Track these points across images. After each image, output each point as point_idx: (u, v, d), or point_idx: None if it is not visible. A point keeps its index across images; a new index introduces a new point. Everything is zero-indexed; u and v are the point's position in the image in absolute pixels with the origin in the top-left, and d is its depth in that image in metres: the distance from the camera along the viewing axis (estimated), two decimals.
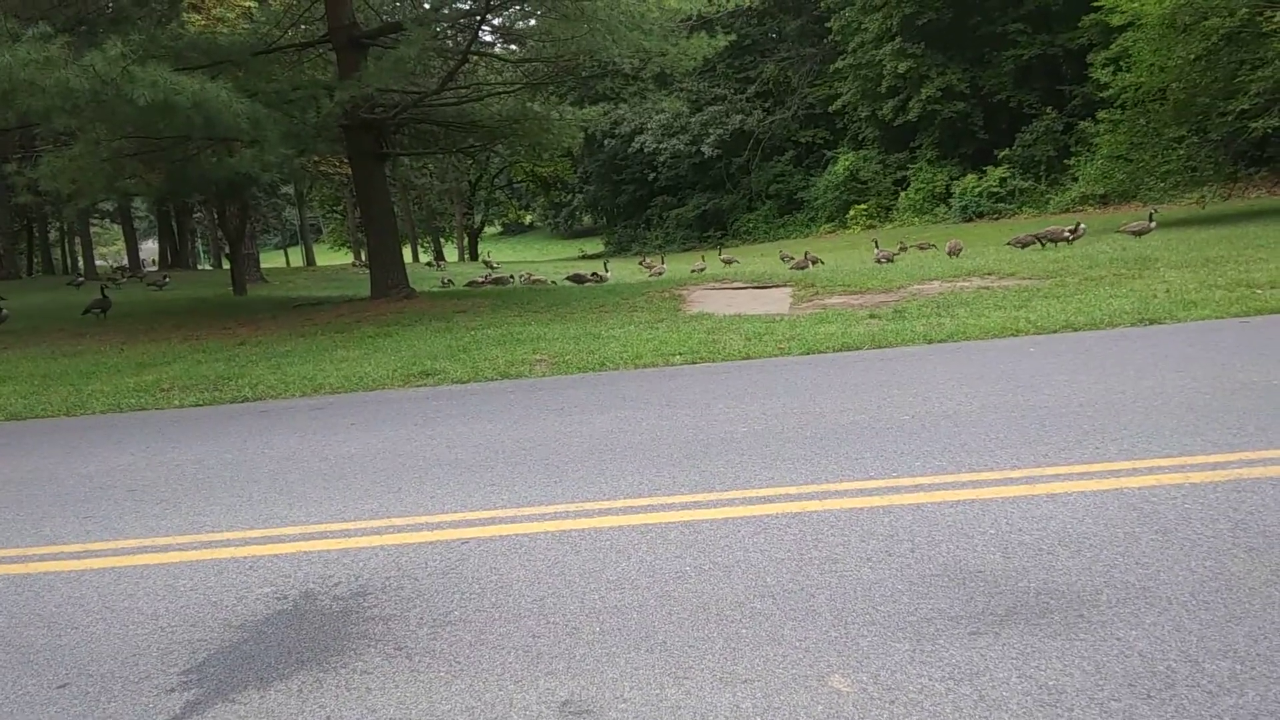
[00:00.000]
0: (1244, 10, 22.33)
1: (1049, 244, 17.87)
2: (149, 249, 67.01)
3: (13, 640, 3.56)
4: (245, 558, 4.25)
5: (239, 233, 27.82)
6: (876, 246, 22.06)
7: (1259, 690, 2.46)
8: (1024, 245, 18.28)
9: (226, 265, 36.42)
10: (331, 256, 67.25)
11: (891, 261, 18.92)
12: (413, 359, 10.19)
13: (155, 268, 47.76)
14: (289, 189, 46.80)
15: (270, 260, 60.39)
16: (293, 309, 18.41)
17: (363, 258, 46.04)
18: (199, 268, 56.89)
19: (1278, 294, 9.06)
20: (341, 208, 59.97)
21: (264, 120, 13.25)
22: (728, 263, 24.13)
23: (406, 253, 47.65)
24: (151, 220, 59.59)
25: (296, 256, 68.07)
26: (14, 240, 44.54)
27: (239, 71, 15.14)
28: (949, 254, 18.85)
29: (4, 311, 17.67)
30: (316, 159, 27.04)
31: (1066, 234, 17.94)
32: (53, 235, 54.02)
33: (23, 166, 20.17)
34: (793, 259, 21.11)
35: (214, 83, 12.24)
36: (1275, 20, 20.64)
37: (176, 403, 9.19)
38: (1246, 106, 23.14)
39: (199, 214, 52.05)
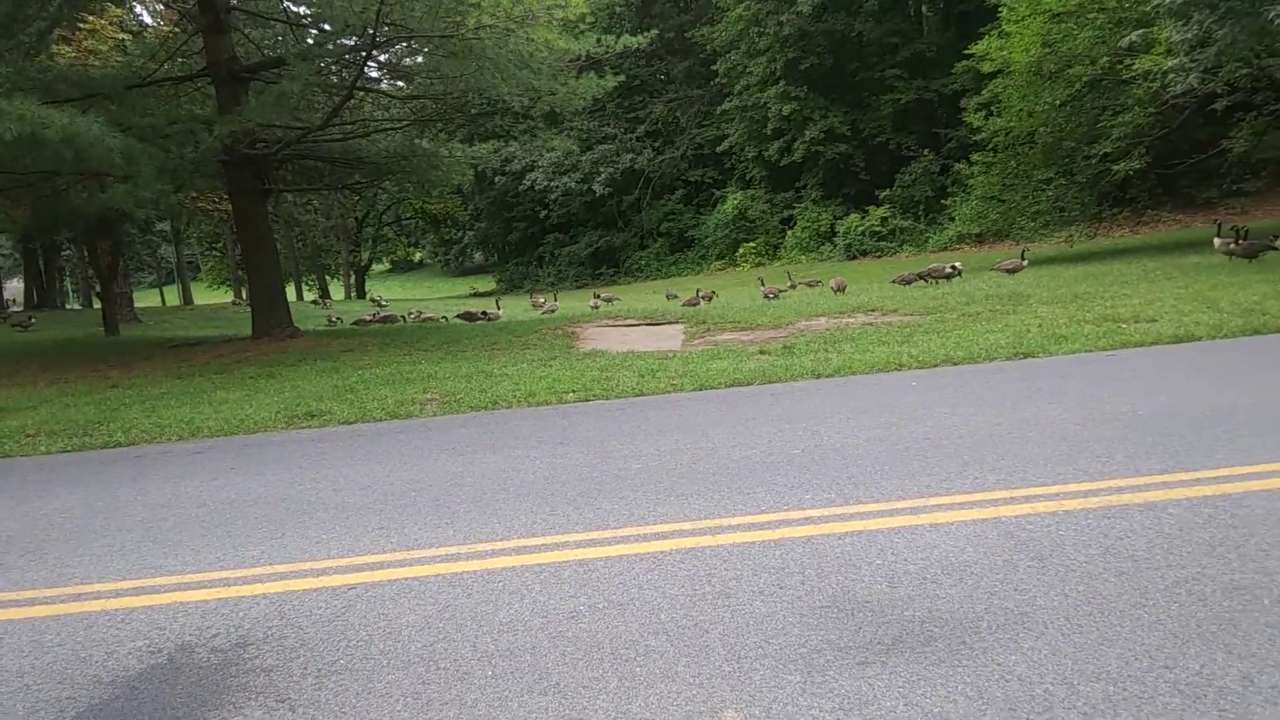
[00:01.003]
0: (1105, 59, 23.78)
1: (931, 281, 18.54)
2: (13, 288, 63.56)
3: None
4: (117, 610, 4.04)
5: (111, 270, 26.65)
6: (763, 284, 22.52)
7: (1131, 711, 2.57)
8: (908, 283, 18.93)
9: (98, 305, 34.84)
10: (210, 295, 64.91)
11: (778, 298, 19.34)
12: (297, 400, 9.90)
13: (20, 307, 45.28)
14: (165, 225, 45.16)
15: (145, 299, 58.04)
16: (169, 349, 17.69)
17: (244, 296, 44.69)
18: (68, 307, 54.18)
19: (1140, 328, 9.58)
20: (221, 244, 58.13)
21: (138, 155, 12.77)
22: (607, 300, 24.27)
23: (290, 291, 46.45)
24: (16, 258, 56.57)
25: (173, 295, 65.53)
26: None
27: (112, 105, 14.58)
28: (834, 290, 19.38)
29: None
30: (195, 195, 26.23)
31: (948, 271, 18.65)
32: None
33: None
34: (678, 297, 21.34)
35: (85, 116, 11.75)
36: (1134, 69, 22.01)
37: (43, 449, 8.72)
38: (1109, 150, 24.57)
39: (68, 251, 49.69)
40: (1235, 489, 4.26)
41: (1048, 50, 24.28)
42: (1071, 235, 27.42)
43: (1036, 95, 25.66)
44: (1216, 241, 16.35)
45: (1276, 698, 2.57)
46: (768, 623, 3.32)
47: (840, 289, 19.30)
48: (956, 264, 19.25)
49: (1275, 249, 15.38)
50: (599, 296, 26.14)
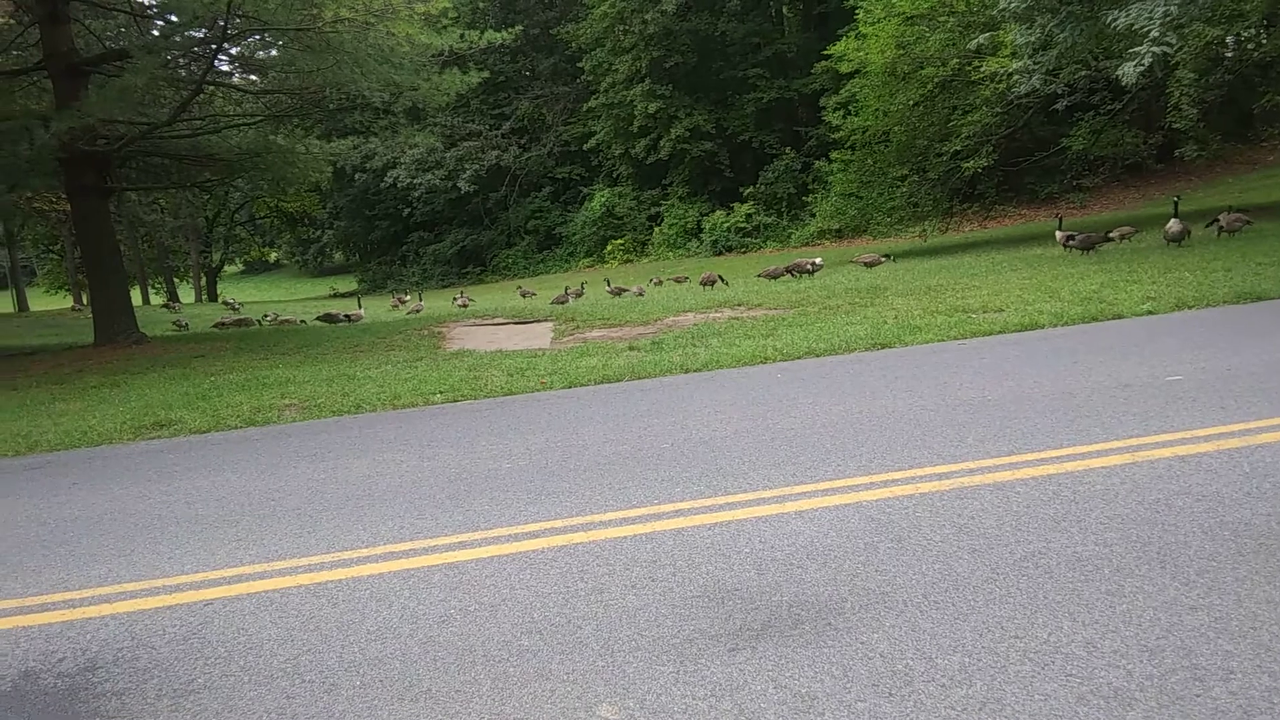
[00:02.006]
0: (955, 61, 24.88)
1: (796, 275, 19.02)
2: None
3: None
4: None
5: None
6: (609, 284, 22.58)
7: (985, 680, 2.69)
8: (774, 277, 19.39)
9: None
10: (48, 301, 60.96)
11: (620, 295, 19.56)
12: (145, 409, 9.40)
13: None
14: None
15: None
16: (3, 359, 16.55)
17: (85, 301, 42.19)
18: None
19: (989, 318, 10.07)
20: (59, 247, 54.64)
21: None
22: (463, 306, 23.82)
23: (136, 295, 44.15)
24: None
25: (6, 302, 61.37)
26: None
27: None
28: (703, 285, 19.67)
29: None
30: (30, 195, 24.59)
31: (809, 266, 19.18)
32: None
33: None
34: (535, 294, 21.10)
35: None
36: (982, 70, 23.11)
37: None
38: (959, 148, 25.75)
39: None
40: (1077, 467, 4.52)
41: (902, 52, 25.25)
42: (925, 230, 28.57)
43: (891, 95, 26.64)
44: (1058, 234, 17.35)
45: (1118, 661, 2.73)
46: (640, 615, 3.34)
47: (710, 283, 19.59)
48: (817, 259, 19.83)
49: (1110, 240, 16.43)
50: (462, 294, 25.77)
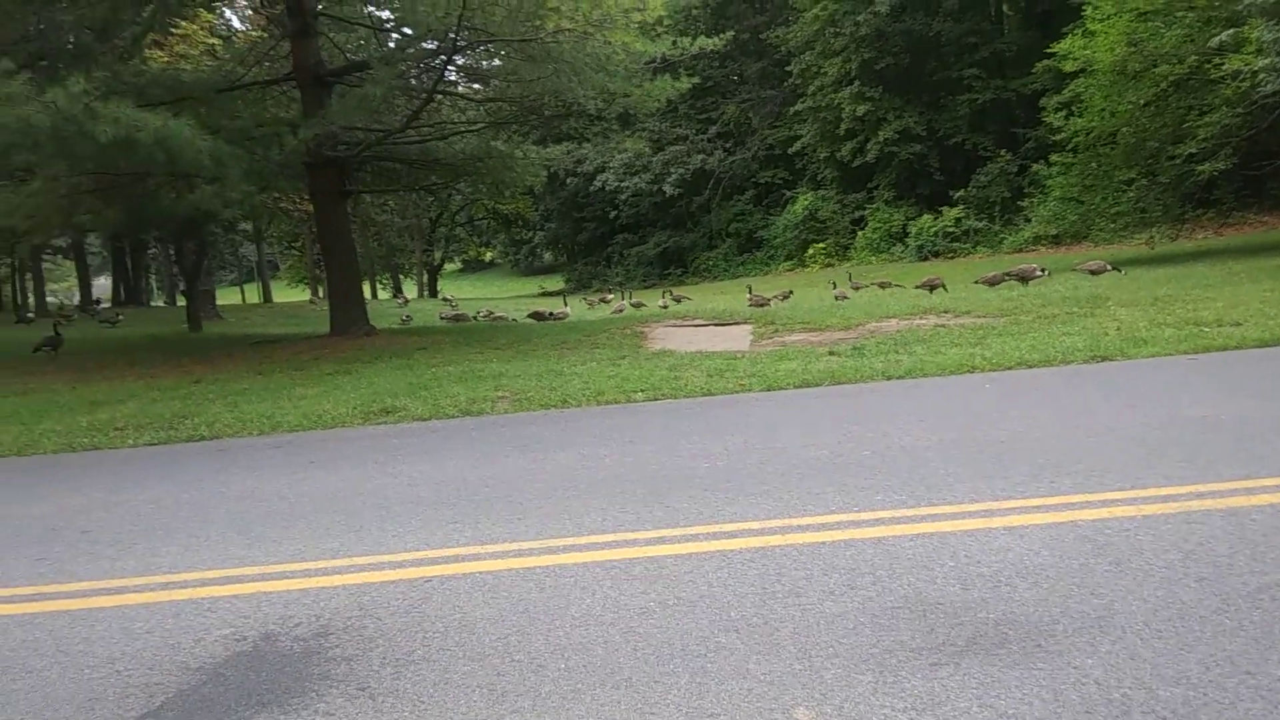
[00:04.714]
0: (1193, 58, 23.10)
1: (1022, 282, 18.16)
2: (102, 285, 65.93)
3: None
4: (203, 599, 4.19)
5: (195, 269, 27.55)
6: (834, 286, 22.32)
7: (1211, 715, 2.52)
8: (995, 284, 18.59)
9: (182, 302, 36.00)
10: (289, 293, 66.59)
11: (847, 299, 19.16)
12: (373, 396, 10.12)
13: (108, 304, 47.01)
14: (248, 225, 46.45)
15: (226, 297, 59.73)
16: (250, 346, 18.21)
17: (321, 294, 45.72)
18: (152, 304, 56.09)
19: (1224, 332, 9.30)
20: (300, 244, 59.56)
21: (226, 157, 13.19)
22: (676, 300, 24.09)
23: (365, 289, 47.38)
24: (105, 256, 58.75)
25: (253, 293, 67.36)
26: None
27: (202, 108, 15.07)
28: (925, 289, 19.06)
29: None
30: (277, 196, 26.93)
31: (1037, 272, 18.31)
32: (2, 271, 53.01)
33: None
34: (762, 299, 20.80)
35: (177, 119, 12.17)
36: (1223, 68, 21.37)
37: (130, 442, 9.04)
38: (1194, 151, 23.85)
39: (154, 250, 51.43)
40: None
41: (1133, 49, 23.67)
42: (1153, 237, 26.71)
43: (1120, 95, 25.05)
44: None
45: None
46: (838, 622, 3.32)
47: (932, 287, 18.98)
48: (1043, 267, 18.85)
49: None
50: (669, 294, 26.14)
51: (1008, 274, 18.74)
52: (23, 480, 7.58)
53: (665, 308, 21.66)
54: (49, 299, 50.50)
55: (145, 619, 4.00)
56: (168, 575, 4.58)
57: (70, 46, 15.42)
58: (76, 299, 52.71)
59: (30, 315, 33.30)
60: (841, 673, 2.95)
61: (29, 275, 49.29)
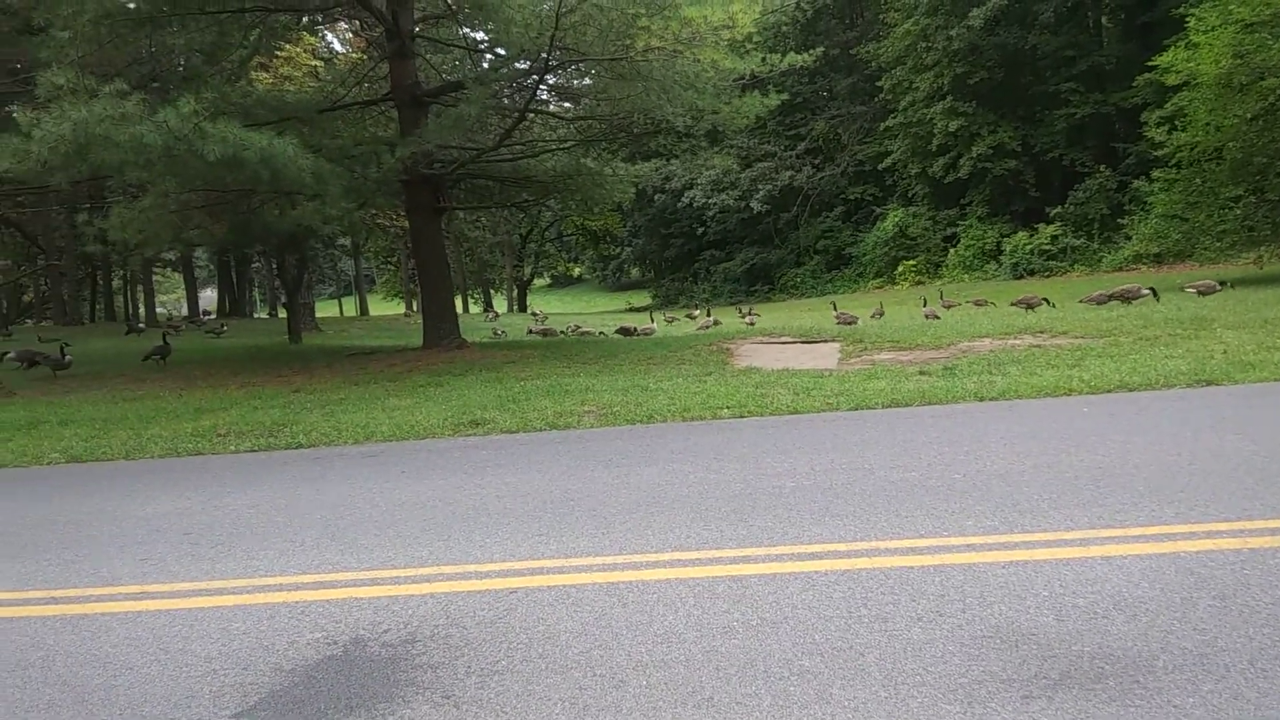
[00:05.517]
0: None
1: (1128, 302, 17.58)
2: (208, 297, 68.69)
3: (69, 680, 3.65)
4: (297, 602, 4.32)
5: (296, 282, 28.48)
6: (925, 304, 21.95)
7: None
8: (1100, 303, 18.03)
9: (282, 314, 37.24)
10: (384, 306, 68.45)
11: (938, 318, 18.78)
12: (463, 409, 10.30)
13: (213, 315, 48.91)
14: (346, 240, 47.85)
15: (324, 309, 61.50)
16: (346, 357, 18.72)
17: (415, 308, 46.79)
18: (255, 316, 58.17)
19: None
20: (395, 259, 61.15)
21: (327, 175, 13.64)
22: (750, 322, 23.67)
23: (457, 303, 48.35)
24: (211, 269, 61.20)
25: (350, 306, 69.34)
26: (79, 288, 45.92)
27: (304, 127, 15.62)
28: (1025, 308, 18.62)
29: (68, 357, 18.16)
30: (374, 212, 27.68)
31: (1144, 292, 17.73)
32: (115, 283, 55.59)
33: (93, 217, 20.90)
34: (851, 318, 20.24)
35: (281, 138, 12.63)
36: None
37: (232, 448, 9.37)
38: None
39: (257, 264, 53.43)
40: None
41: (1239, 61, 22.82)
42: (1261, 256, 25.65)
43: (1226, 109, 24.13)
44: None
45: None
46: (926, 650, 3.26)
47: (1032, 305, 18.53)
48: (1150, 287, 18.23)
49: None
50: (750, 311, 26.11)
51: (1112, 294, 18.12)
52: (130, 483, 7.92)
53: (751, 324, 21.53)
54: (158, 310, 52.75)
55: (241, 620, 4.15)
56: (264, 578, 4.73)
57: (180, 68, 16.18)
58: (184, 310, 55.02)
59: (141, 326, 34.84)
60: (928, 702, 2.90)
61: (140, 287, 51.55)
